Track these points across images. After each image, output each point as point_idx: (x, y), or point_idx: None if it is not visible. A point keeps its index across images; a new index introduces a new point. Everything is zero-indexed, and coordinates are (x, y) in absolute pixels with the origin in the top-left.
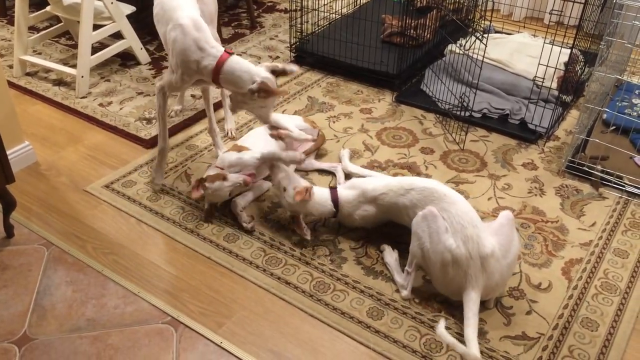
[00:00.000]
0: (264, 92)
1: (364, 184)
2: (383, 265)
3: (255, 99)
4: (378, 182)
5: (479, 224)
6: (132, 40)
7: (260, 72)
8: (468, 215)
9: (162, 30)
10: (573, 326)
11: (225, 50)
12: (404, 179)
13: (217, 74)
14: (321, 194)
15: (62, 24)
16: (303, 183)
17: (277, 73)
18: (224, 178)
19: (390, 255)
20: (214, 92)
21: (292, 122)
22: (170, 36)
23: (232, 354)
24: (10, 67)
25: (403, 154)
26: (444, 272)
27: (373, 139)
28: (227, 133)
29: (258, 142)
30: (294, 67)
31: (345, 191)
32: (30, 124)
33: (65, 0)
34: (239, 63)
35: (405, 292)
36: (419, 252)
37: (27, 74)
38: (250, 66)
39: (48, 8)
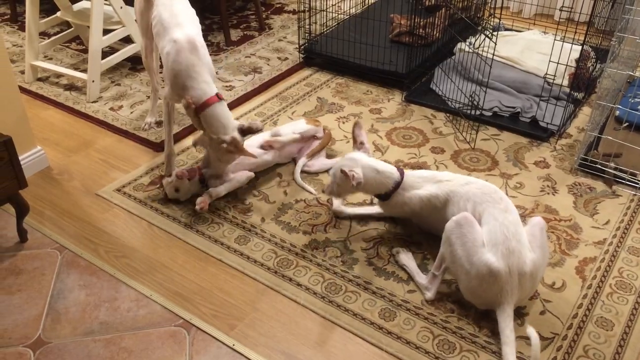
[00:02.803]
0: (233, 147)
1: (431, 171)
2: (395, 265)
3: (222, 149)
4: (443, 172)
5: (523, 239)
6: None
7: (235, 128)
8: (515, 227)
9: (160, 45)
10: (588, 326)
11: (216, 94)
12: (464, 176)
13: (201, 110)
14: (383, 165)
15: (72, 29)
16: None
17: (244, 132)
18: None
19: (407, 257)
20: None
21: (291, 129)
22: (164, 50)
23: (245, 356)
24: (22, 72)
25: (413, 153)
26: (479, 284)
27: (383, 139)
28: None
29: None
30: (259, 124)
31: (411, 172)
32: (42, 128)
33: (75, 6)
34: (222, 112)
35: (429, 295)
36: (450, 259)
37: (39, 79)
38: (230, 119)
39: (58, 14)
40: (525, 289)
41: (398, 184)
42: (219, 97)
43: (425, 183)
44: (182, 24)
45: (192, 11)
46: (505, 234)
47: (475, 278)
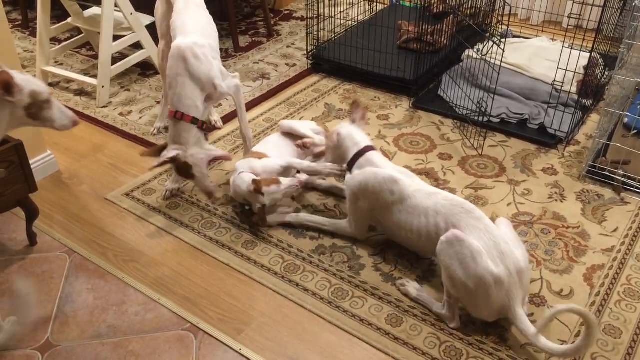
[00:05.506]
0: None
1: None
2: (402, 272)
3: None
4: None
5: (508, 239)
6: (151, 50)
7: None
8: (497, 231)
9: None
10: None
11: (193, 117)
12: (427, 185)
13: (169, 117)
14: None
15: (83, 35)
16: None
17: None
18: (278, 182)
19: (415, 289)
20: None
21: (306, 126)
22: None
23: None
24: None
25: (421, 160)
26: (486, 295)
27: (390, 145)
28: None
29: (273, 149)
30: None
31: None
32: (52, 133)
33: (86, 12)
34: (183, 131)
35: (454, 324)
36: (449, 281)
37: (49, 85)
38: (189, 140)
39: (69, 20)
40: (525, 284)
41: (359, 154)
42: (192, 121)
43: (388, 167)
44: (187, 32)
45: (206, 20)
46: (493, 240)
47: (481, 290)
